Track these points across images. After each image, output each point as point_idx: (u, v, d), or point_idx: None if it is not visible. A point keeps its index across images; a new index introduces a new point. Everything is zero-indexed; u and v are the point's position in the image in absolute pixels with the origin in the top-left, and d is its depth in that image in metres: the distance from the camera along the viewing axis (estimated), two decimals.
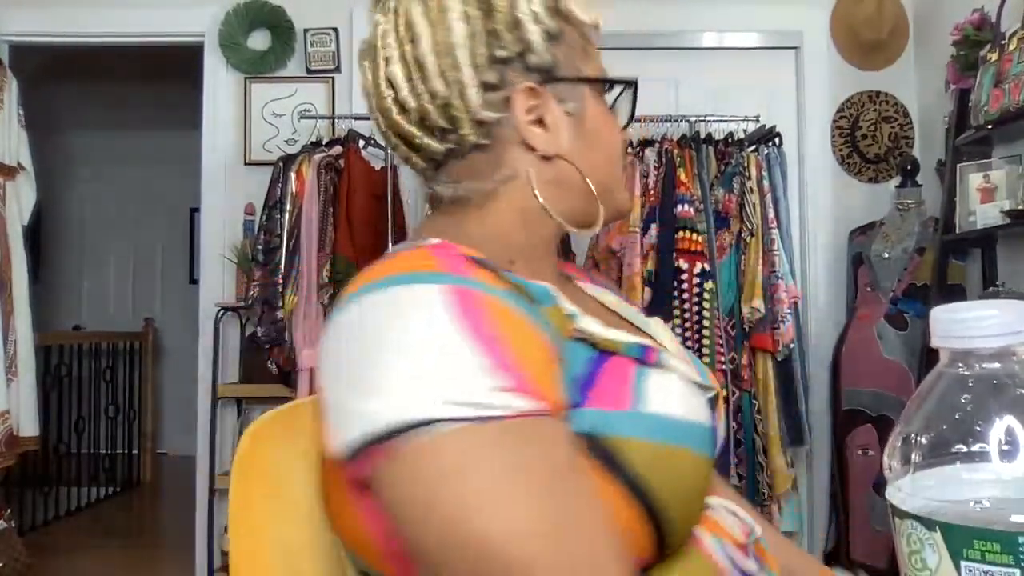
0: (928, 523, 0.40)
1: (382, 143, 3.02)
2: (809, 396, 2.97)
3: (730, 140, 2.99)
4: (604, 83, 0.79)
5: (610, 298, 0.87)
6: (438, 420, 0.52)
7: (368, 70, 0.75)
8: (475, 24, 0.70)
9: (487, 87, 0.71)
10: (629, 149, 2.97)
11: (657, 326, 0.85)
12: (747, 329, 2.82)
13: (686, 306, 2.73)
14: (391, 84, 0.72)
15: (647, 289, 2.75)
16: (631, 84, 0.82)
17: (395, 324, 0.56)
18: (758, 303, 2.77)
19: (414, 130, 0.72)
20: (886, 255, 2.94)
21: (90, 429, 5.10)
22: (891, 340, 2.83)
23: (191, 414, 3.31)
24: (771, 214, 2.85)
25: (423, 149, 0.73)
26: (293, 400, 2.98)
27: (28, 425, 3.06)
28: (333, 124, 3.16)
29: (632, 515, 0.61)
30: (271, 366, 2.80)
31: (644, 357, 0.67)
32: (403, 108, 0.72)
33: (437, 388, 0.53)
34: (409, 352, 0.54)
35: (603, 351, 0.66)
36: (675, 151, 2.87)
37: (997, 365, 0.42)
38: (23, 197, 3.16)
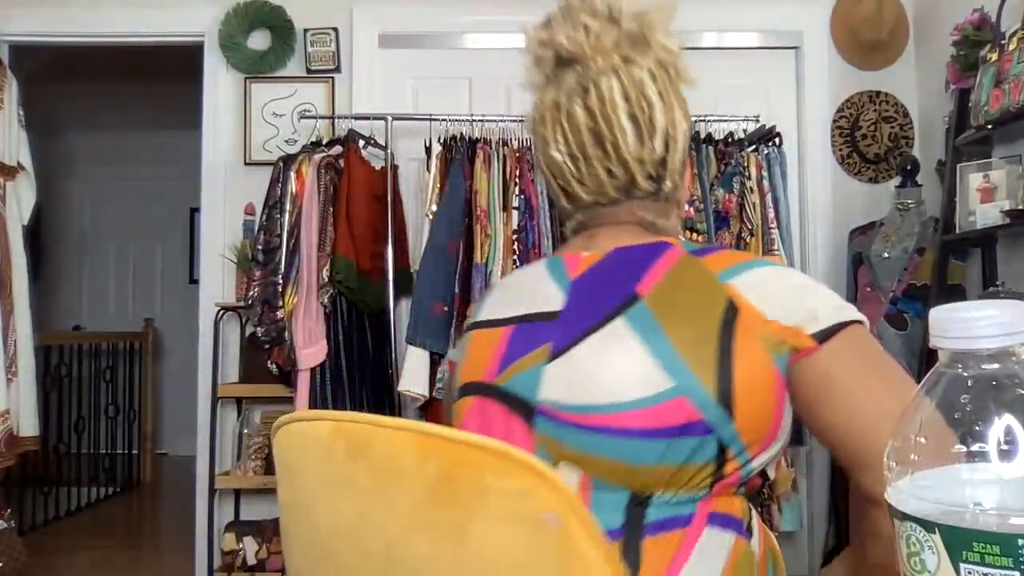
0: (927, 525, 0.40)
1: (380, 142, 3.03)
2: None
3: (730, 140, 2.99)
4: None
5: None
6: (862, 321, 0.91)
7: (590, 113, 1.01)
8: (686, 119, 1.05)
9: (681, 161, 1.05)
10: None
11: None
12: None
13: None
14: (622, 129, 1.00)
15: None
16: None
17: (801, 276, 0.96)
18: None
19: (636, 167, 1.01)
20: (886, 255, 2.94)
21: (90, 429, 5.10)
22: (891, 340, 2.83)
23: (191, 414, 3.31)
24: (771, 214, 2.85)
25: (629, 181, 1.02)
26: (292, 400, 2.96)
27: (28, 425, 3.06)
28: (333, 124, 3.16)
29: None
30: (271, 366, 2.80)
31: None
32: (668, 144, 1.02)
33: (851, 305, 0.92)
34: (823, 287, 0.94)
35: None
36: None
37: (997, 365, 0.42)
38: (23, 197, 3.17)
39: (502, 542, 0.60)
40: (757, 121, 3.02)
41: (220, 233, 3.29)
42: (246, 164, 3.31)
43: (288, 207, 2.74)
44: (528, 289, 1.04)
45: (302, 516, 0.76)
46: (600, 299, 0.96)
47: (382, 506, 0.67)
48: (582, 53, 1.03)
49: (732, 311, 0.90)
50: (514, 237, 2.78)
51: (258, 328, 2.75)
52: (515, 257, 2.74)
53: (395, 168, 3.05)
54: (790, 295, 0.91)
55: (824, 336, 0.87)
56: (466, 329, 1.11)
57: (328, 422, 0.72)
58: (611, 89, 1.01)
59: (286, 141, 3.26)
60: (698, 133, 2.99)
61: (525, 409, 0.93)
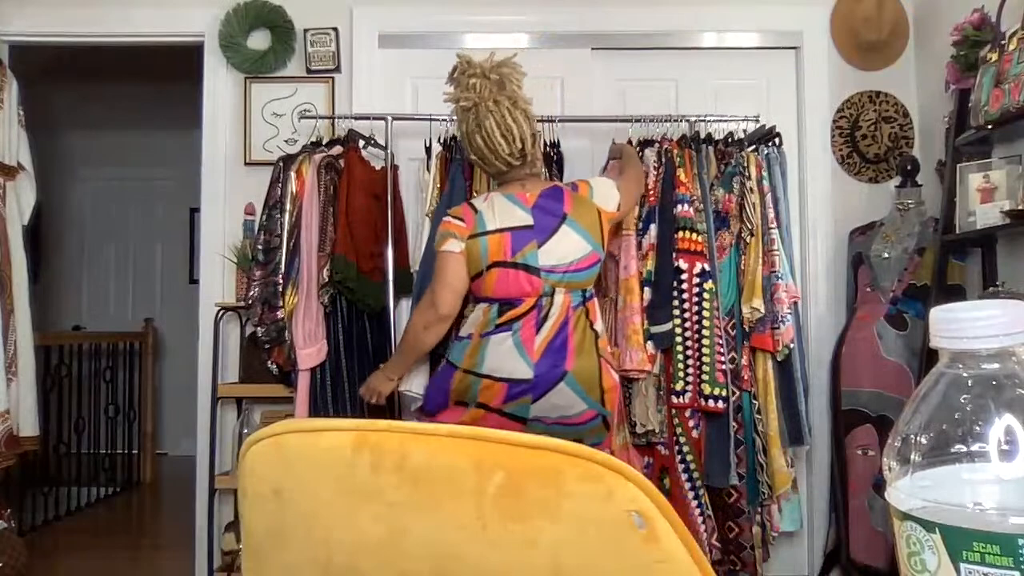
0: (927, 525, 0.40)
1: (380, 142, 3.03)
2: (809, 396, 2.96)
3: (730, 140, 2.99)
4: None
5: None
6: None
7: (483, 139, 2.30)
8: (531, 124, 2.35)
9: (534, 143, 2.38)
10: None
11: None
12: (747, 329, 2.82)
13: (686, 306, 2.73)
14: (500, 144, 2.29)
15: (646, 289, 2.75)
16: None
17: (606, 183, 2.48)
18: (758, 303, 2.77)
19: (510, 158, 2.31)
20: (886, 255, 2.93)
21: (90, 429, 5.10)
22: (891, 340, 2.83)
23: (191, 414, 3.31)
24: (771, 214, 2.85)
25: (508, 163, 2.33)
26: (292, 400, 2.98)
27: (28, 425, 3.06)
28: (333, 124, 3.16)
29: None
30: (271, 366, 2.80)
31: None
32: (523, 143, 2.32)
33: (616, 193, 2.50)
34: (609, 183, 2.50)
35: None
36: (675, 151, 2.87)
37: (997, 365, 0.42)
38: (23, 197, 3.16)
39: (580, 547, 0.56)
40: (757, 121, 3.02)
41: (220, 233, 3.29)
42: (246, 164, 3.31)
43: (288, 207, 2.74)
44: (508, 212, 2.27)
45: (299, 540, 0.67)
46: (549, 217, 2.27)
47: (424, 521, 0.61)
48: (473, 105, 2.26)
49: (598, 212, 2.33)
50: None
51: (258, 328, 2.74)
52: None
53: (395, 168, 3.05)
54: (608, 195, 2.37)
55: (616, 208, 2.39)
56: (474, 236, 2.25)
57: (348, 432, 0.63)
58: (491, 126, 2.26)
59: (286, 141, 3.26)
60: (698, 133, 2.99)
61: (534, 271, 2.22)
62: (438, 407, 2.30)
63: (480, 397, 2.22)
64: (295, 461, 0.66)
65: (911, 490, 0.41)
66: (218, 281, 3.28)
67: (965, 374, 0.42)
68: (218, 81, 3.33)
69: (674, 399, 2.72)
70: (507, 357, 2.20)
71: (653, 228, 2.78)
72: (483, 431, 0.61)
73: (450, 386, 2.27)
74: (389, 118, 2.99)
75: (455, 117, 2.37)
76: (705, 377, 2.69)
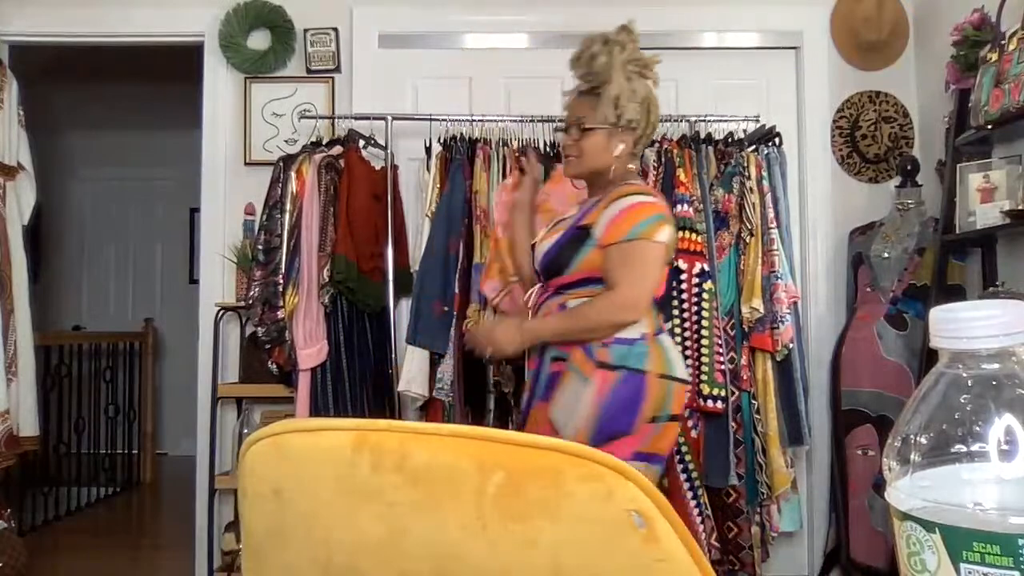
0: (927, 525, 0.40)
1: (380, 142, 3.03)
2: (809, 396, 2.96)
3: (730, 140, 2.99)
4: None
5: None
6: None
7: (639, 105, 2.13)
8: None
9: None
10: None
11: None
12: (747, 329, 2.82)
13: (685, 306, 2.73)
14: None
15: None
16: None
17: None
18: (757, 303, 2.77)
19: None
20: (886, 255, 2.93)
21: (90, 429, 5.10)
22: (891, 340, 2.83)
23: (191, 414, 3.31)
24: (771, 214, 2.85)
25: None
26: (292, 400, 2.97)
27: (28, 425, 3.06)
28: (333, 124, 3.16)
29: None
30: (272, 366, 2.80)
31: None
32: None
33: None
34: None
35: None
36: (675, 151, 2.87)
37: (997, 365, 0.42)
38: (23, 197, 3.16)
39: (580, 547, 0.56)
40: (757, 121, 3.02)
41: (220, 233, 3.28)
42: (246, 164, 3.31)
43: (288, 207, 2.74)
44: None
45: (299, 540, 0.67)
46: None
47: (424, 521, 0.61)
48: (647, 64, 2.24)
49: None
50: None
51: (259, 328, 2.74)
52: None
53: (395, 168, 3.05)
54: None
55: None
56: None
57: (348, 432, 0.63)
58: (644, 95, 2.17)
59: (286, 141, 3.26)
60: (698, 133, 2.99)
61: None
62: (629, 425, 1.89)
63: (672, 407, 1.97)
64: (295, 461, 0.66)
65: (911, 490, 0.41)
66: (218, 281, 3.28)
67: (965, 374, 0.42)
68: (218, 81, 3.33)
69: None
70: (680, 357, 2.11)
71: None
72: (484, 430, 0.61)
73: (644, 398, 1.92)
74: (389, 118, 2.99)
75: (624, 79, 2.16)
76: (704, 377, 2.69)
